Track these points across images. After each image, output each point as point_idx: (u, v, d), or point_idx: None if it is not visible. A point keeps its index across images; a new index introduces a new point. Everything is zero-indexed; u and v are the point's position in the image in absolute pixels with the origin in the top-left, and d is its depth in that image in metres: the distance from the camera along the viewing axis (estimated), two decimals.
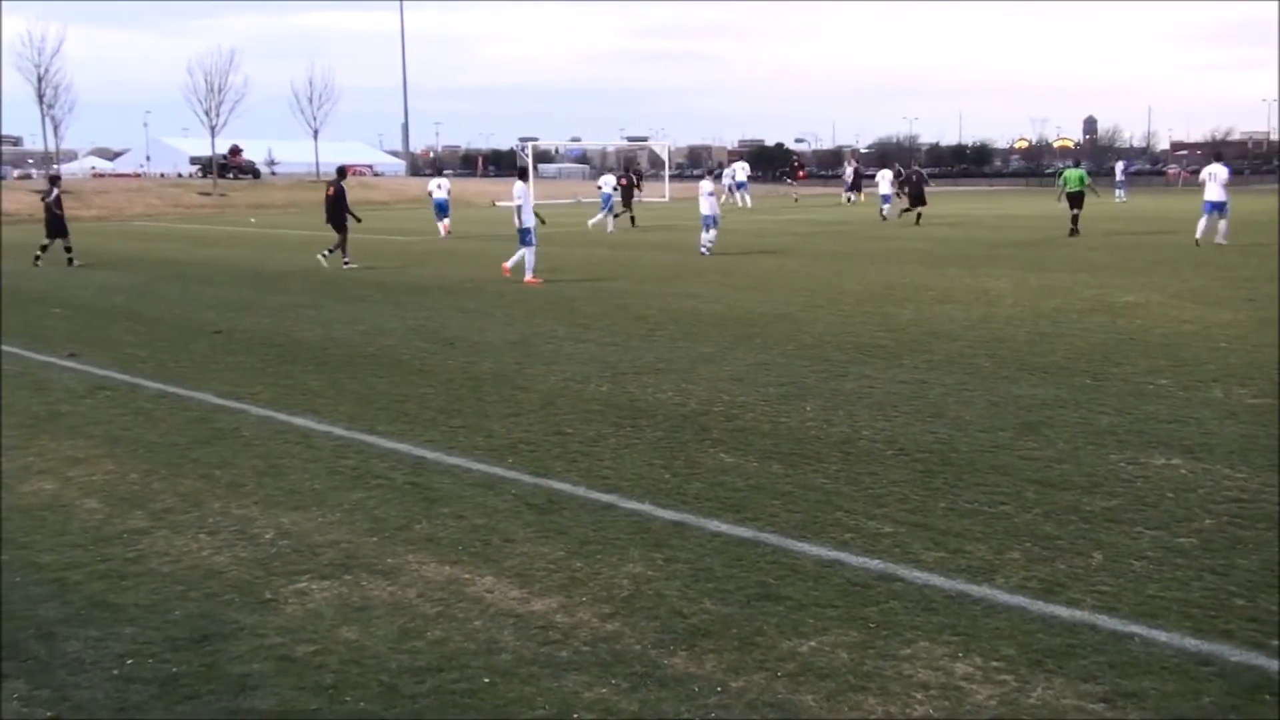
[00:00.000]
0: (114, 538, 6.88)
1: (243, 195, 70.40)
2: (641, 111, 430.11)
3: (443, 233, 37.11)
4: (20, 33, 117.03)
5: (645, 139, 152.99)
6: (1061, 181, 33.71)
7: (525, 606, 5.72)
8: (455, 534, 6.83)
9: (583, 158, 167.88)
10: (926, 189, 40.91)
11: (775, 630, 5.37)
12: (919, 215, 37.91)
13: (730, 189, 55.94)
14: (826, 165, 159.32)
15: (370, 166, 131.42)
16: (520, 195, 21.64)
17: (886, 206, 43.16)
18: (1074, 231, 31.49)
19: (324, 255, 25.73)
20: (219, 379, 11.88)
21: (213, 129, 74.48)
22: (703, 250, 27.09)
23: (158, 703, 4.73)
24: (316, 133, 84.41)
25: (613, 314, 16.56)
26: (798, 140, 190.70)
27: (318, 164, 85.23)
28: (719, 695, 4.74)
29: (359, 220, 26.54)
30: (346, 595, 5.90)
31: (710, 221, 27.52)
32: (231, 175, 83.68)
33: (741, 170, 58.55)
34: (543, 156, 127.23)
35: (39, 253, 27.15)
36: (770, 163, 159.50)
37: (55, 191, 27.47)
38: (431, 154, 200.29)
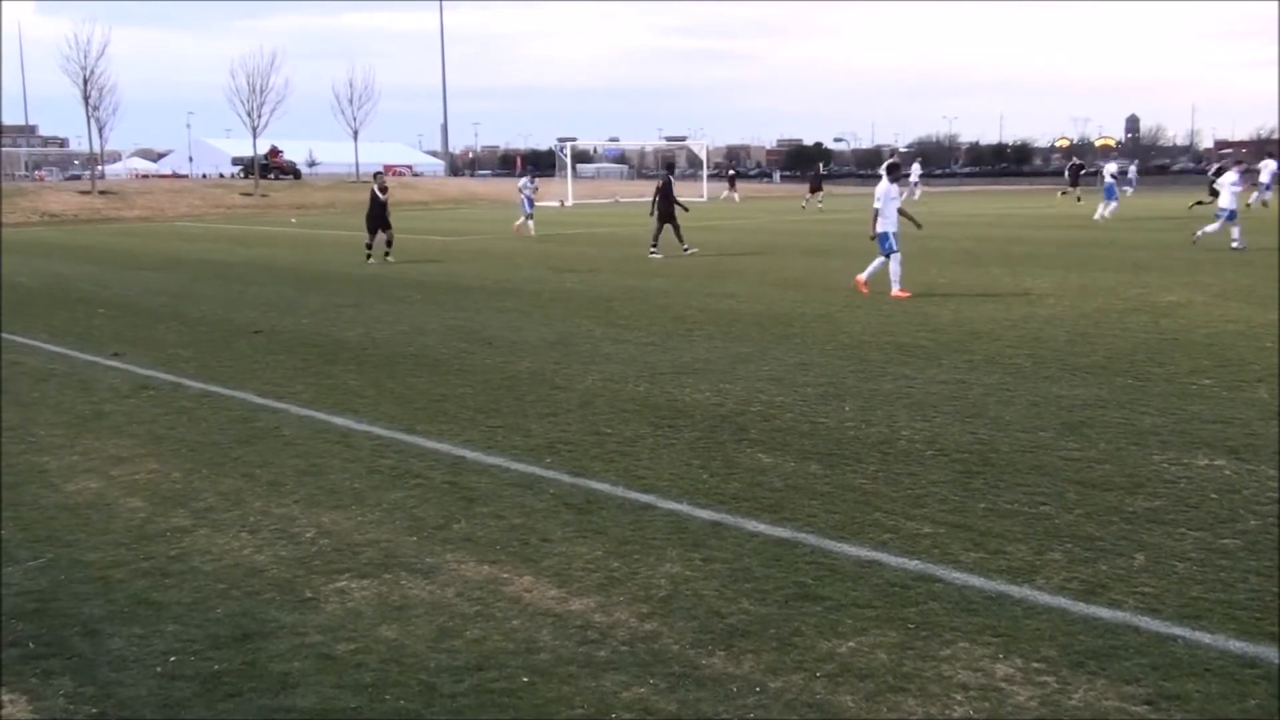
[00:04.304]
0: (157, 536, 6.95)
1: (284, 195, 70.96)
2: (680, 111, 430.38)
3: (531, 229, 36.42)
4: (66, 35, 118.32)
5: (684, 138, 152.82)
6: None
7: (563, 606, 5.73)
8: (494, 533, 6.85)
9: (621, 157, 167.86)
10: None
11: (814, 631, 5.36)
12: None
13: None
14: (865, 165, 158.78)
15: (410, 166, 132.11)
16: (885, 197, 18.49)
17: (1269, 195, 42.14)
18: None
19: (665, 248, 26.84)
20: (260, 378, 11.97)
21: (254, 130, 75.01)
22: (1235, 245, 25.41)
23: (200, 700, 4.77)
24: (356, 133, 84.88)
25: (651, 314, 16.56)
26: (836, 140, 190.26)
27: (357, 164, 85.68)
28: (757, 695, 4.73)
29: (686, 209, 27.83)
30: (386, 594, 5.93)
31: (1230, 215, 25.89)
32: (273, 175, 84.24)
33: (915, 171, 59.24)
34: (581, 156, 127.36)
35: (369, 250, 26.71)
36: (809, 162, 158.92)
37: (383, 189, 27.09)
38: (470, 154, 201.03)
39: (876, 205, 18.38)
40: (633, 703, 4.68)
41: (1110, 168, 41.78)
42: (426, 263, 26.65)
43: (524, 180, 38.32)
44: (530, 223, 36.46)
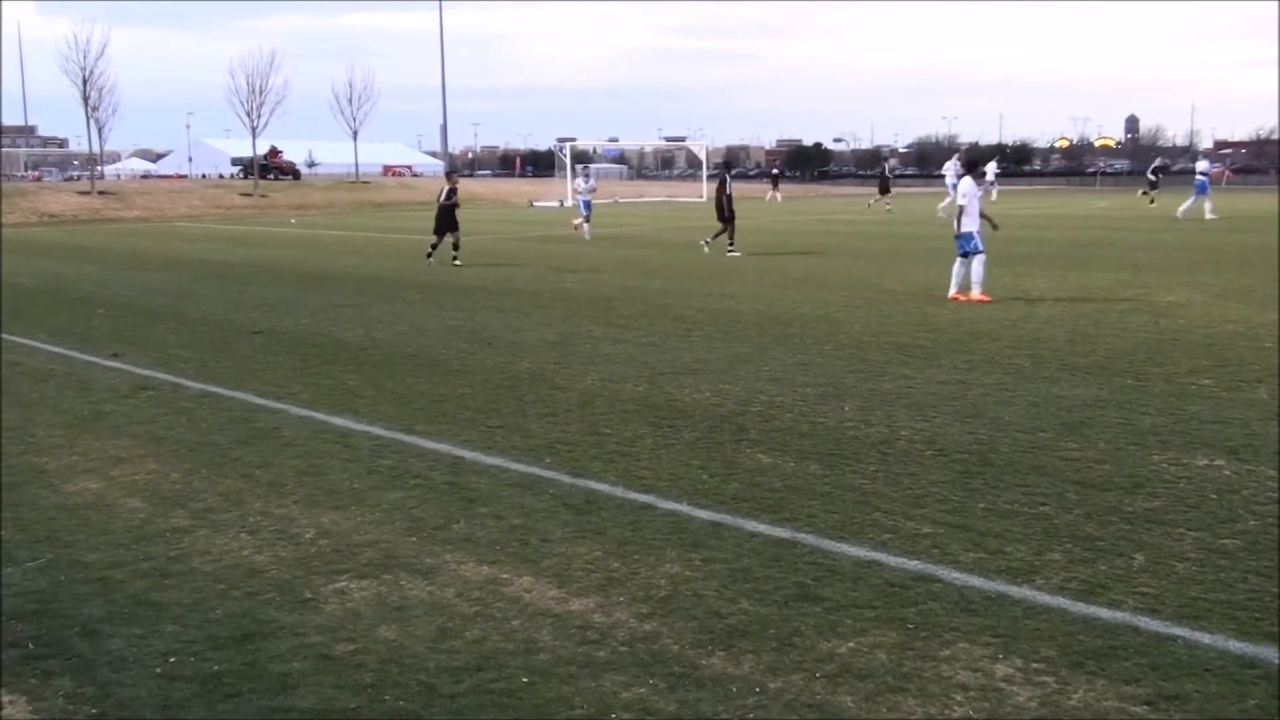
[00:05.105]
0: (156, 536, 6.95)
1: (283, 196, 70.94)
2: (679, 111, 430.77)
3: (586, 232, 34.29)
4: (65, 35, 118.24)
5: (683, 139, 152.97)
6: None
7: (563, 606, 5.73)
8: (493, 534, 6.85)
9: (620, 158, 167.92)
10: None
11: (813, 631, 5.36)
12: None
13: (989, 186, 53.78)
14: (864, 165, 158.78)
15: (409, 167, 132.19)
16: (968, 195, 17.63)
17: None
18: None
19: (706, 242, 27.40)
20: (259, 379, 11.97)
21: (254, 130, 74.94)
22: None
23: (200, 701, 4.77)
24: (356, 133, 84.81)
25: (650, 314, 16.56)
26: (836, 140, 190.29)
27: (357, 165, 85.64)
28: (757, 696, 4.73)
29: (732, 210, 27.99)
30: (385, 595, 5.93)
31: None
32: (272, 176, 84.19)
33: (991, 170, 58.26)
34: (581, 156, 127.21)
35: (454, 254, 25.54)
36: (809, 163, 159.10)
37: (450, 191, 25.79)
38: (470, 154, 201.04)
39: (962, 203, 17.53)
40: (632, 703, 4.68)
41: (1203, 165, 41.79)
42: (424, 263, 26.62)
43: (579, 180, 36.03)
44: (585, 225, 34.32)
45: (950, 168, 47.62)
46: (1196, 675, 4.82)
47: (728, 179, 27.72)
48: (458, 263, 25.27)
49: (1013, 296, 17.91)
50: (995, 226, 18.22)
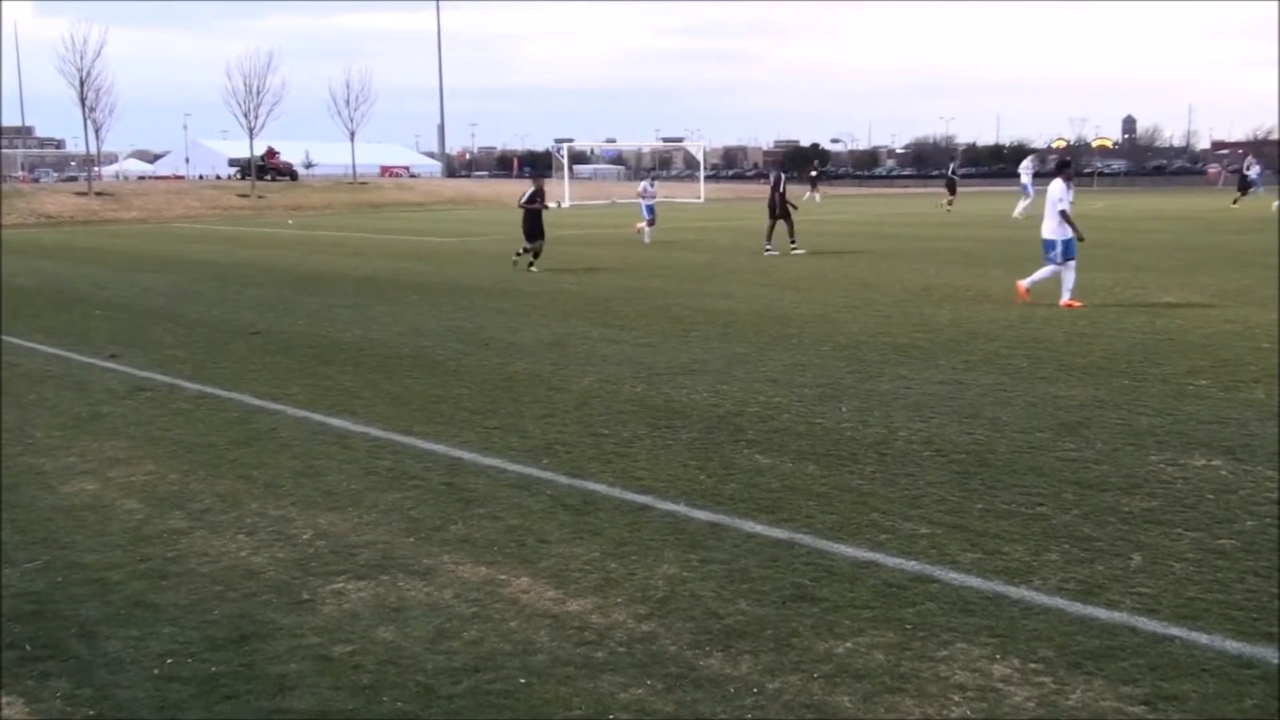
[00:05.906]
0: (154, 538, 6.94)
1: (280, 197, 70.90)
2: (677, 111, 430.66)
3: (646, 238, 32.46)
4: (62, 35, 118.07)
5: (681, 139, 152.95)
6: None
7: (561, 607, 5.73)
8: (491, 534, 6.85)
9: (618, 159, 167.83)
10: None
11: (811, 631, 5.36)
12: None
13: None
14: (862, 166, 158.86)
15: (407, 168, 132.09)
16: (1060, 198, 16.72)
17: None
18: None
19: (766, 248, 27.26)
20: (257, 380, 11.96)
21: (251, 131, 74.84)
22: None
23: (197, 702, 4.77)
24: (353, 134, 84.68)
25: (648, 314, 16.56)
26: (834, 140, 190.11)
27: (354, 165, 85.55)
28: (755, 696, 4.73)
29: (795, 208, 28.24)
30: (383, 596, 5.93)
31: None
32: (269, 177, 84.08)
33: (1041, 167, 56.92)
34: (578, 157, 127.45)
35: (519, 253, 24.58)
36: (807, 162, 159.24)
37: (534, 193, 24.51)
38: (467, 155, 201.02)
39: (1063, 207, 16.58)
40: (630, 704, 4.68)
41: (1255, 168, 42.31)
42: (421, 264, 26.61)
43: (644, 184, 34.47)
44: (648, 229, 32.62)
45: (1026, 167, 46.42)
46: (1194, 675, 4.83)
47: (783, 178, 27.90)
48: (533, 268, 23.83)
49: (1010, 297, 17.89)
50: (1081, 237, 17.17)
